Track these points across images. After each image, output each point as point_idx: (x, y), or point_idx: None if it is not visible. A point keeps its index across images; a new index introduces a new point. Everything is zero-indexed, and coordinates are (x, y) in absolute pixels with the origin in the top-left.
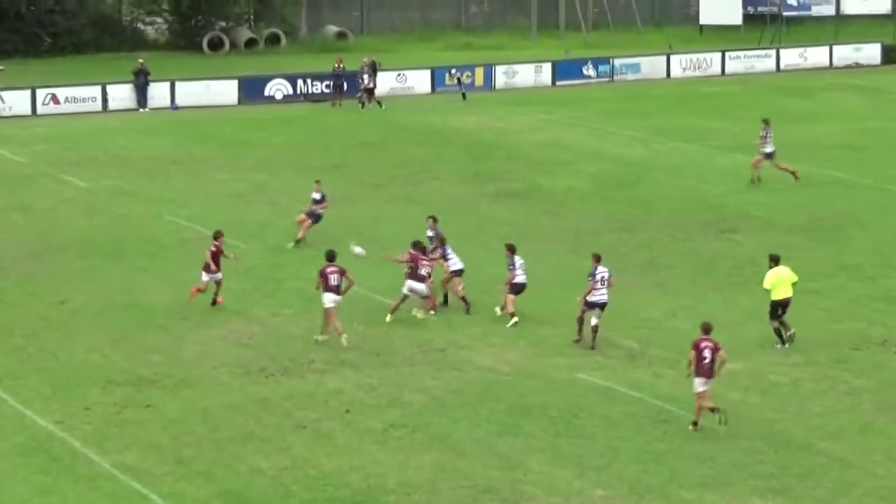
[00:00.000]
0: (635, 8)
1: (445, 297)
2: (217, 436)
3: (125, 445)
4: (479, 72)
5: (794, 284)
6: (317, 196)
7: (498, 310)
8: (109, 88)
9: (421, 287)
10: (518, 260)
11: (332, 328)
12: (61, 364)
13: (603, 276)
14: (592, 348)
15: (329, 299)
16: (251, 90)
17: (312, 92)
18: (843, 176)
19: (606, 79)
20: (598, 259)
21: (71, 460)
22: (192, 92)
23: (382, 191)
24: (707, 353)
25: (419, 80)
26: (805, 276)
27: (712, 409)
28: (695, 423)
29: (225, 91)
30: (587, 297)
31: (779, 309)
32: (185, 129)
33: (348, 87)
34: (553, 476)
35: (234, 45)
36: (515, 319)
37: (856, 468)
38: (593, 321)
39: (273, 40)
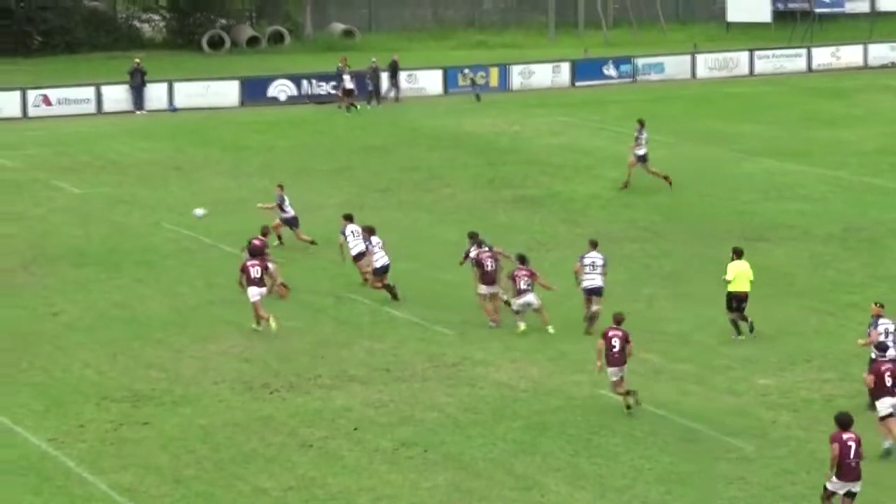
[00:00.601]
0: (658, 4)
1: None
2: (218, 455)
3: (121, 465)
4: (494, 72)
5: (750, 282)
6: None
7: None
8: (104, 89)
9: (529, 299)
10: (375, 240)
11: (261, 318)
12: (54, 379)
13: (594, 262)
14: (588, 333)
15: (254, 293)
16: (253, 91)
17: (317, 93)
18: (880, 182)
19: (628, 79)
20: (594, 245)
21: (64, 480)
22: (192, 93)
23: (390, 196)
24: (616, 342)
25: (430, 81)
26: (841, 287)
27: (626, 393)
28: (628, 407)
29: (226, 92)
30: (581, 285)
31: (733, 302)
32: (184, 133)
33: (355, 88)
34: (572, 497)
35: (235, 44)
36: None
37: (891, 489)
38: (593, 308)
39: (276, 39)
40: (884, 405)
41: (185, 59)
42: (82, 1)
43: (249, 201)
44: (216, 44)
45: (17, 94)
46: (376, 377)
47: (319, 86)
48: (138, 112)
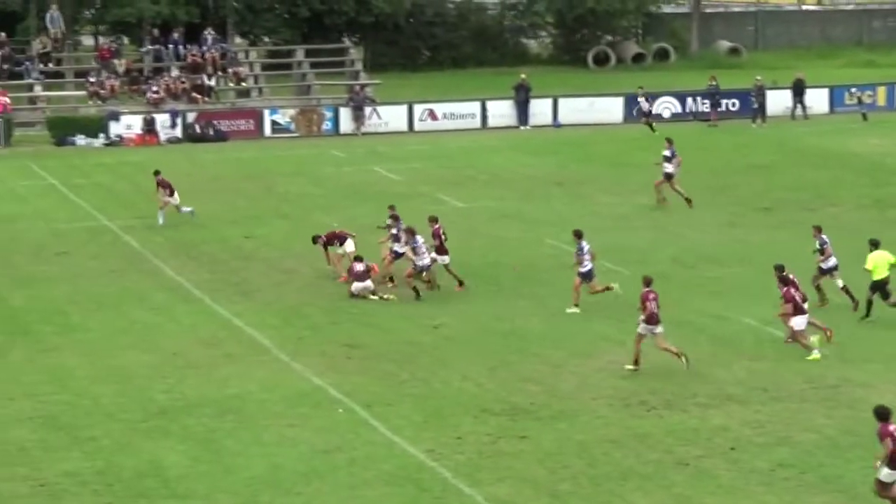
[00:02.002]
0: None
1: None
2: (594, 471)
3: (498, 478)
4: (882, 91)
5: (892, 265)
6: (666, 153)
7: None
8: (489, 104)
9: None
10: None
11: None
12: (433, 391)
13: (588, 249)
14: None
15: (358, 287)
16: (637, 108)
17: (702, 111)
18: None
19: None
20: (579, 235)
21: (441, 492)
22: (576, 109)
23: (772, 215)
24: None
25: (817, 100)
26: None
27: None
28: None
29: (610, 108)
30: (579, 270)
31: (876, 289)
32: (567, 148)
33: (730, 105)
34: None
35: (620, 60)
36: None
37: None
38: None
39: (661, 55)
40: None
41: (569, 74)
42: (470, 17)
43: (632, 218)
44: (601, 60)
45: (404, 108)
46: (754, 397)
47: (704, 103)
48: (522, 127)
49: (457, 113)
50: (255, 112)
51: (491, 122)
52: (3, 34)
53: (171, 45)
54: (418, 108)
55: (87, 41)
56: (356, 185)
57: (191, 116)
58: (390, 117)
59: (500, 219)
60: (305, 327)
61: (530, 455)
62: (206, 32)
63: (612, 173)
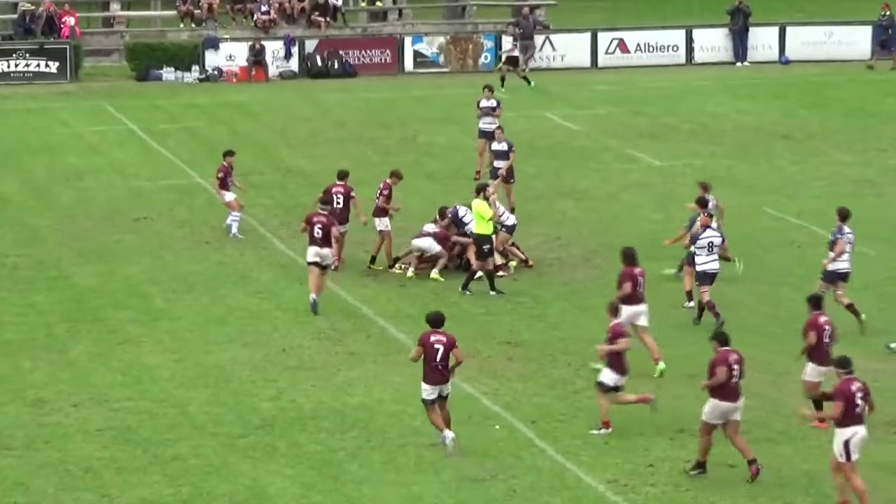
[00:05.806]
0: None
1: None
2: None
3: None
4: None
5: (488, 220)
6: (492, 103)
7: None
8: (696, 34)
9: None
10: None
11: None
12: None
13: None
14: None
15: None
16: (892, 40)
17: None
18: None
19: None
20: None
21: None
22: (809, 40)
23: None
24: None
25: None
26: None
27: None
28: None
29: (854, 40)
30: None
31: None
32: (796, 92)
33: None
34: None
35: None
36: None
37: None
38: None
39: None
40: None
41: None
42: None
43: (880, 184)
44: None
45: (586, 38)
46: None
47: None
48: (739, 64)
49: (654, 44)
50: (393, 40)
51: (697, 56)
52: None
53: None
54: (604, 38)
55: None
56: (522, 135)
57: (310, 45)
58: (567, 49)
59: (710, 180)
60: (452, 318)
61: (741, 488)
62: None
63: (852, 125)
